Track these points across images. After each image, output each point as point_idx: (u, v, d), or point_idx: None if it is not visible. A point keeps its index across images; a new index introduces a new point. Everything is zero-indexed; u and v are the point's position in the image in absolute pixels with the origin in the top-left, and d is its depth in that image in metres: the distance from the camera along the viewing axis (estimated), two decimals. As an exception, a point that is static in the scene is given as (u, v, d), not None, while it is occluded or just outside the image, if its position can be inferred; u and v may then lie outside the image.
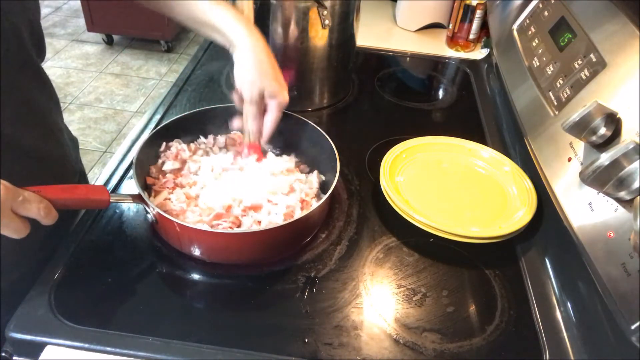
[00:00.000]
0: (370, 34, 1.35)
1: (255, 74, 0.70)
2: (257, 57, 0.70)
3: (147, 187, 0.75)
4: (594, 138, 0.59)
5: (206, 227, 0.66)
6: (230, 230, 0.67)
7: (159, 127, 0.79)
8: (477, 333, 0.63)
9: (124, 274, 0.67)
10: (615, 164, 0.52)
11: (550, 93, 0.76)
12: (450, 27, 1.31)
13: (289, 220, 0.66)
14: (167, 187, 0.74)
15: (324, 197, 0.68)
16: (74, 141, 0.83)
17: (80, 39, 3.50)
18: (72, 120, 2.73)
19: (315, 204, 0.68)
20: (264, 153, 0.80)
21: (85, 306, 0.62)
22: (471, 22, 1.26)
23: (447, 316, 0.64)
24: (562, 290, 0.67)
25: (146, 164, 0.76)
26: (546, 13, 0.88)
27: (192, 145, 0.82)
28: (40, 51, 0.67)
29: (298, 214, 0.69)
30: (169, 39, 3.33)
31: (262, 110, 0.73)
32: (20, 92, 0.62)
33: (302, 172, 0.81)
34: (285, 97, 0.72)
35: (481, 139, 0.96)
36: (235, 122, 0.78)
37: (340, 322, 0.62)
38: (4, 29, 0.56)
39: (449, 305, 0.66)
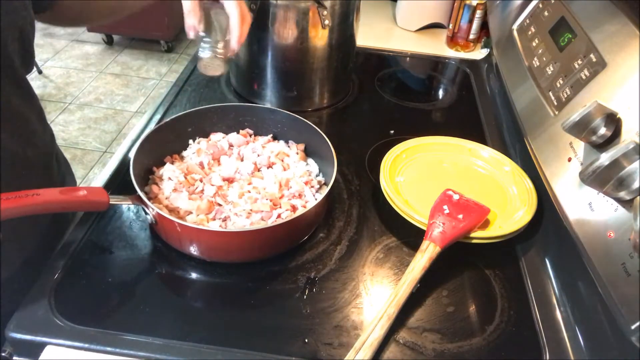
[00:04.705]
0: (370, 34, 1.35)
1: None
2: None
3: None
4: (594, 138, 0.59)
5: (205, 226, 0.66)
6: (229, 230, 0.67)
7: (159, 126, 0.79)
8: (477, 333, 0.63)
9: (123, 274, 0.67)
10: (615, 164, 0.52)
11: (550, 93, 0.76)
12: (450, 27, 1.31)
13: (288, 219, 0.66)
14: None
15: (323, 195, 0.68)
16: (52, 135, 0.78)
17: (80, 39, 3.50)
18: (72, 120, 2.73)
19: (313, 202, 0.68)
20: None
21: (85, 306, 0.62)
22: (471, 22, 1.26)
23: (447, 316, 0.64)
24: (562, 290, 0.67)
25: (146, 164, 0.76)
26: (546, 13, 0.87)
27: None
28: (25, 63, 0.64)
29: (299, 211, 0.70)
30: (169, 39, 3.33)
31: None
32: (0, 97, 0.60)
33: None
34: None
35: (481, 139, 0.96)
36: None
37: (340, 322, 0.62)
38: None
39: (449, 305, 0.66)
